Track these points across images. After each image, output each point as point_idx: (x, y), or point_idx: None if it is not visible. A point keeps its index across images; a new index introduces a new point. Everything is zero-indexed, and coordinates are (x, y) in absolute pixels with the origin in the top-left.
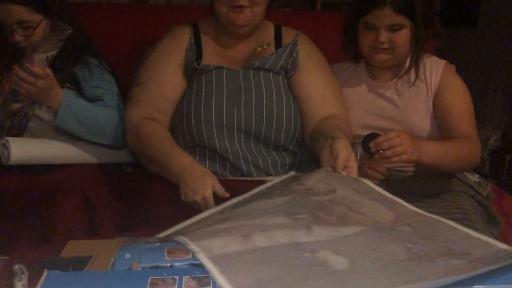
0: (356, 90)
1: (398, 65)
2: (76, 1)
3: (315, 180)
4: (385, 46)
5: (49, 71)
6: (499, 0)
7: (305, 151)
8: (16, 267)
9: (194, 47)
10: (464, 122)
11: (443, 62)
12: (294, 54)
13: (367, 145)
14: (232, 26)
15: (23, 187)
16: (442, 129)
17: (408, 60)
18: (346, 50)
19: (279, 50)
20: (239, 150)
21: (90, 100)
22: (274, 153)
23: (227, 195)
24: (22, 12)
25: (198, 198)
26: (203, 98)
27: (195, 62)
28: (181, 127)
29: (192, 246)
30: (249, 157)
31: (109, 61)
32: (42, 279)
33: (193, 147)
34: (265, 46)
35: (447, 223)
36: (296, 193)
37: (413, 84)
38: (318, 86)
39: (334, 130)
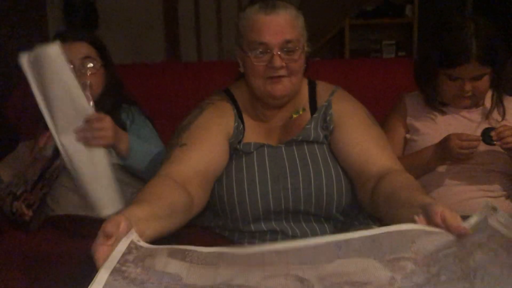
0: (436, 119)
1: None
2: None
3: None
4: (469, 93)
5: (106, 115)
6: None
7: (350, 216)
8: None
9: (241, 125)
10: None
11: None
12: (328, 118)
13: (488, 135)
14: (270, 99)
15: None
16: None
17: (489, 99)
18: (426, 95)
19: (315, 115)
20: (288, 228)
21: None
22: (325, 225)
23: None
24: (89, 49)
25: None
26: (245, 183)
27: (238, 143)
28: (224, 211)
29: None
30: (297, 231)
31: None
32: None
33: (239, 231)
34: (300, 112)
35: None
36: None
37: (503, 120)
38: (359, 143)
39: (413, 196)
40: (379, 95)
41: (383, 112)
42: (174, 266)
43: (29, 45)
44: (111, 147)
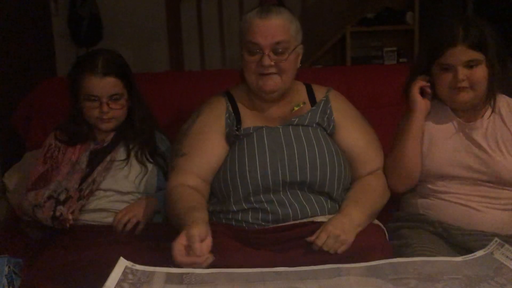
0: (443, 127)
1: (478, 104)
2: None
3: None
4: (465, 84)
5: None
6: None
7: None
8: None
9: (233, 114)
10: None
11: None
12: (328, 112)
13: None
14: (262, 93)
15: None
16: None
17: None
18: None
19: (313, 108)
20: (285, 200)
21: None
22: (321, 198)
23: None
24: (117, 85)
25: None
26: (246, 158)
27: (236, 128)
28: (226, 188)
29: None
30: (296, 205)
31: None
32: None
33: (238, 204)
34: (301, 105)
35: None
36: None
37: (502, 116)
38: (359, 144)
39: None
40: (381, 101)
41: (384, 118)
42: None
43: (35, 57)
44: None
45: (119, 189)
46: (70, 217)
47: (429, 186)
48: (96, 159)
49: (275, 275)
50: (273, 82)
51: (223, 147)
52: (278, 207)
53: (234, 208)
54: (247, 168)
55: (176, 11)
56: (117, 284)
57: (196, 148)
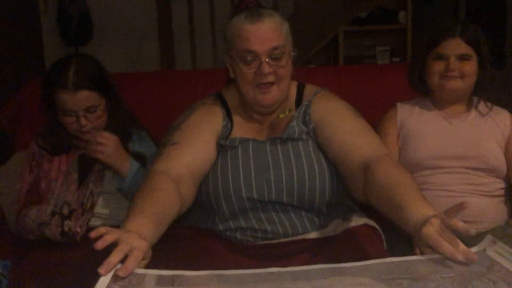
0: (428, 121)
1: (464, 98)
2: (109, 73)
3: None
4: (455, 74)
5: (114, 135)
6: None
7: (335, 209)
8: None
9: (230, 124)
10: None
11: (506, 111)
12: (307, 118)
13: None
14: (260, 107)
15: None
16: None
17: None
18: (414, 86)
19: (295, 114)
20: (275, 217)
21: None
22: (312, 214)
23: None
24: (91, 97)
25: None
26: (229, 175)
27: (223, 139)
28: (210, 206)
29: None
30: (286, 222)
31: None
32: None
33: (225, 223)
34: (286, 113)
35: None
36: None
37: (487, 114)
38: (347, 129)
39: (411, 200)
40: (374, 100)
41: (377, 118)
42: None
43: (24, 56)
44: (111, 167)
45: (110, 191)
46: (79, 229)
47: (416, 177)
48: (85, 164)
49: (267, 276)
50: (271, 96)
51: (214, 149)
52: (267, 225)
53: (221, 228)
54: (231, 187)
55: (167, 9)
56: (108, 286)
57: (189, 139)
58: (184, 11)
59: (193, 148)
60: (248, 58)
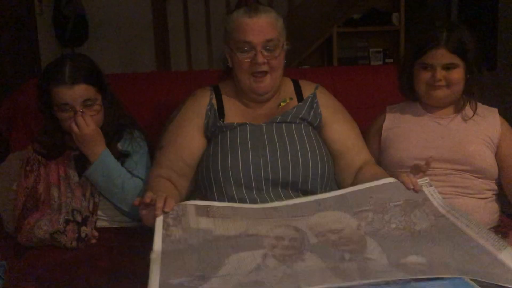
0: (416, 123)
1: (452, 103)
2: (105, 73)
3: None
4: (441, 83)
5: (97, 128)
6: None
7: None
8: None
9: (215, 106)
10: None
11: (495, 109)
12: (315, 106)
13: None
14: (254, 94)
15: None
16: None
17: (463, 99)
18: (403, 92)
19: (300, 104)
20: (268, 199)
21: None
22: (301, 194)
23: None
24: (88, 91)
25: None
26: (229, 152)
27: (219, 121)
28: (209, 182)
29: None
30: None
31: (146, 132)
32: None
33: (221, 200)
34: (287, 101)
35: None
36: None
37: (471, 118)
38: (348, 138)
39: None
40: (367, 101)
41: (370, 118)
42: (204, 222)
43: (19, 57)
44: (81, 149)
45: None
46: (96, 233)
47: None
48: (81, 164)
49: (273, 211)
50: (265, 85)
51: (198, 142)
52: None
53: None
54: (229, 165)
55: (163, 11)
56: (164, 221)
57: (172, 141)
58: (179, 12)
59: (176, 149)
60: (245, 48)
